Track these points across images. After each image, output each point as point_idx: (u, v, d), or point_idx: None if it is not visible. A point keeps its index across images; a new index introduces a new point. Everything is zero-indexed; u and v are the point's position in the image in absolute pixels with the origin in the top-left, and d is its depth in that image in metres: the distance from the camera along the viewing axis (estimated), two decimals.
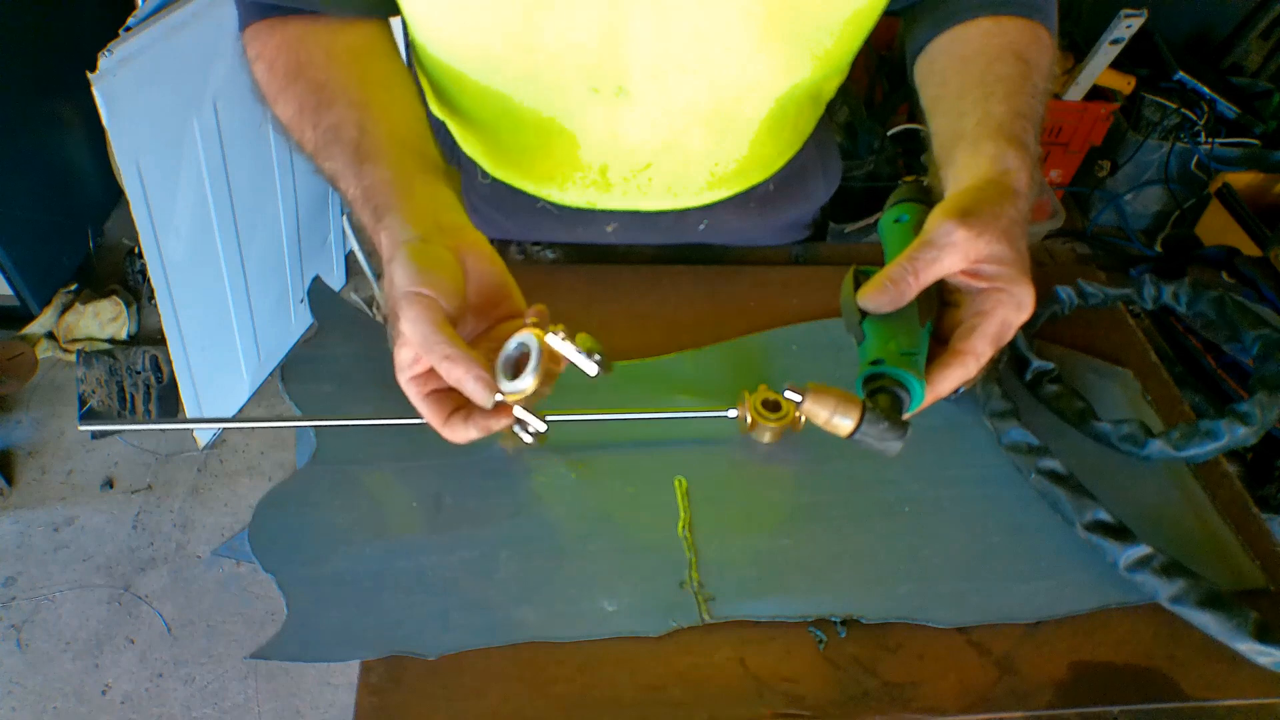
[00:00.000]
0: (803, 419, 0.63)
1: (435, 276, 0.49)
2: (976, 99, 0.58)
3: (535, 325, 0.51)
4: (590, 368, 0.51)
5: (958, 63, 0.63)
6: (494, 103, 0.70)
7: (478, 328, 0.55)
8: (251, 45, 0.63)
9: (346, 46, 0.62)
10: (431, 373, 0.52)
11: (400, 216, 0.52)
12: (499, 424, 0.53)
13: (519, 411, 0.53)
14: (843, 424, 0.50)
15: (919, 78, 0.67)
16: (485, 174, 0.79)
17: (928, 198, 0.57)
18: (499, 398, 0.50)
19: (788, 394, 0.52)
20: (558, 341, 0.51)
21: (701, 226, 0.81)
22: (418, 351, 0.49)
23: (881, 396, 0.49)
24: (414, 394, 0.52)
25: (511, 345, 0.52)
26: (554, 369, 0.52)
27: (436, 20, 0.63)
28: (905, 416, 0.50)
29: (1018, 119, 0.56)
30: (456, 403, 0.53)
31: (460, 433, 0.53)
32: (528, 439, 0.57)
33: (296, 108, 0.59)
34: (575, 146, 0.72)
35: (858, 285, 0.51)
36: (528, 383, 0.50)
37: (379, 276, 0.56)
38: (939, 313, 0.53)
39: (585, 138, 0.70)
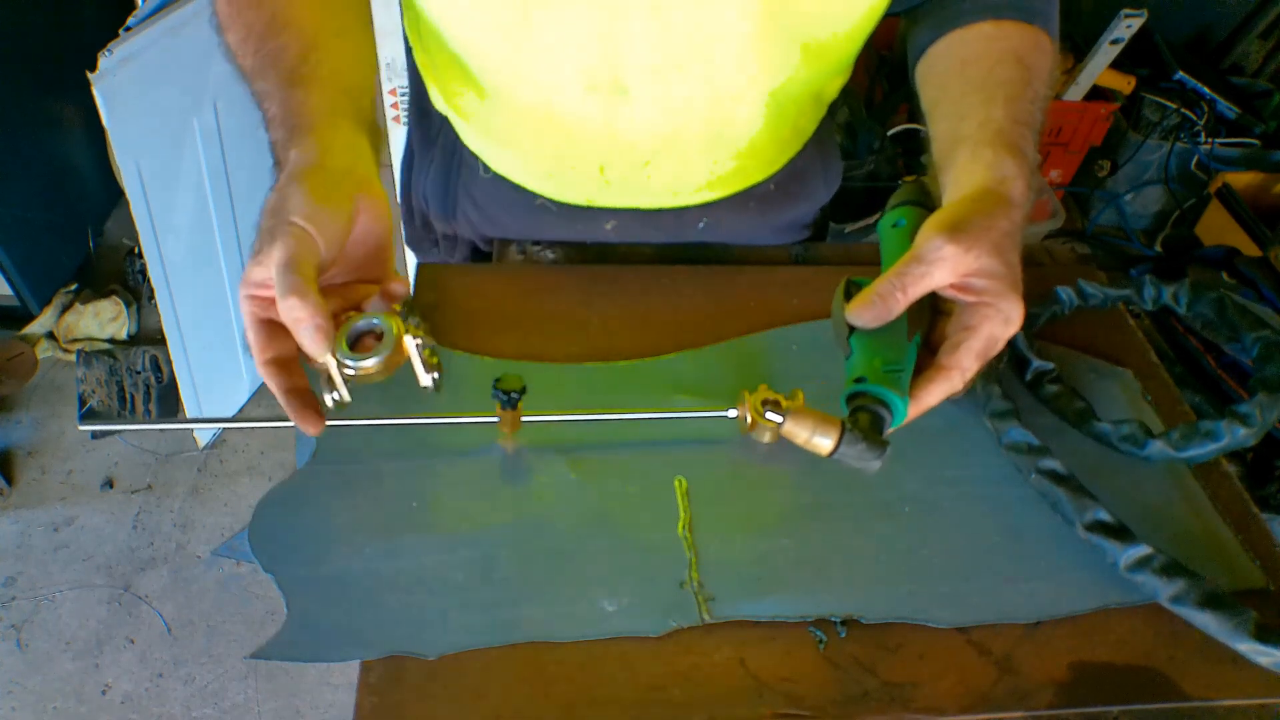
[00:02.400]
0: None
1: (325, 218, 0.48)
2: (976, 104, 0.58)
3: (398, 314, 0.52)
4: (425, 381, 0.53)
5: (958, 66, 0.63)
6: (494, 97, 0.70)
7: (338, 278, 0.54)
8: None
9: None
10: (273, 302, 0.50)
11: (317, 143, 0.51)
12: (295, 416, 0.53)
13: (334, 373, 0.52)
14: (822, 444, 0.51)
15: (920, 80, 0.67)
16: (486, 168, 0.79)
17: (928, 199, 0.57)
18: (329, 361, 0.49)
19: (769, 415, 0.53)
20: (412, 344, 0.52)
21: (701, 225, 0.81)
22: (270, 277, 0.48)
23: (862, 415, 0.50)
24: (247, 311, 0.50)
25: (365, 321, 0.52)
26: (396, 361, 0.52)
27: (437, 15, 0.63)
28: (888, 432, 0.50)
29: (1016, 125, 0.56)
30: (279, 348, 0.51)
31: (271, 381, 0.52)
32: (329, 401, 0.55)
33: (245, 33, 0.58)
34: (574, 143, 0.72)
35: (849, 298, 0.51)
36: (369, 364, 0.50)
37: None
38: (932, 321, 0.53)
39: (584, 135, 0.71)
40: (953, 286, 0.50)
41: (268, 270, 0.48)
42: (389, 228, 0.53)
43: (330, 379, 0.52)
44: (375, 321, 0.52)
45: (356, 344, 0.52)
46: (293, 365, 0.52)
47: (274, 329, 0.50)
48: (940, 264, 0.48)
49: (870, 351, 0.50)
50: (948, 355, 0.50)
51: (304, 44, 0.56)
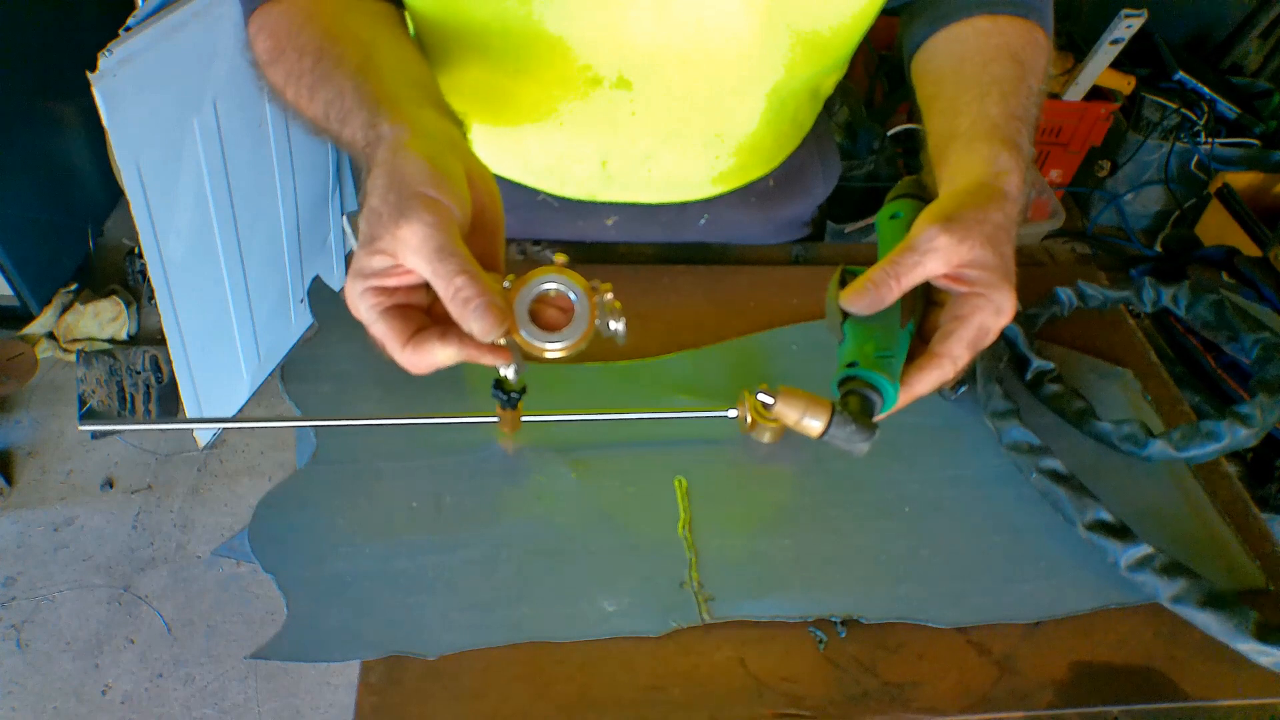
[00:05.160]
0: None
1: (449, 183, 0.44)
2: (971, 99, 0.58)
3: (576, 273, 0.45)
4: (620, 332, 0.47)
5: (953, 62, 0.63)
6: (494, 95, 0.70)
7: None
8: (254, 23, 0.60)
9: (359, 11, 0.59)
10: (398, 289, 0.46)
11: (405, 119, 0.47)
12: (486, 359, 0.46)
13: (516, 356, 0.46)
14: (812, 425, 0.51)
15: (915, 76, 0.67)
16: None
17: (925, 193, 0.57)
18: (501, 340, 0.43)
19: (760, 397, 0.53)
20: (602, 302, 0.45)
21: (702, 221, 0.82)
22: (416, 266, 0.43)
23: (852, 399, 0.50)
24: (367, 307, 0.45)
25: (542, 287, 0.45)
26: (589, 332, 0.46)
27: (440, 13, 0.63)
28: (879, 417, 0.50)
29: (1012, 120, 0.56)
30: (419, 324, 0.46)
31: (429, 356, 0.45)
32: (510, 374, 0.50)
33: (297, 55, 0.54)
34: (575, 138, 0.72)
35: (844, 285, 0.51)
36: (565, 343, 0.44)
37: None
38: (926, 311, 0.53)
39: (585, 129, 0.71)
40: (946, 276, 0.50)
41: (391, 257, 0.43)
42: (499, 203, 0.49)
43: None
44: (550, 287, 0.44)
45: (534, 314, 0.46)
46: (427, 323, 0.47)
47: (404, 313, 0.46)
48: (933, 254, 0.48)
49: (863, 337, 0.51)
50: (939, 343, 0.50)
51: (364, 46, 0.54)
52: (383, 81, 0.51)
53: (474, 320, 0.43)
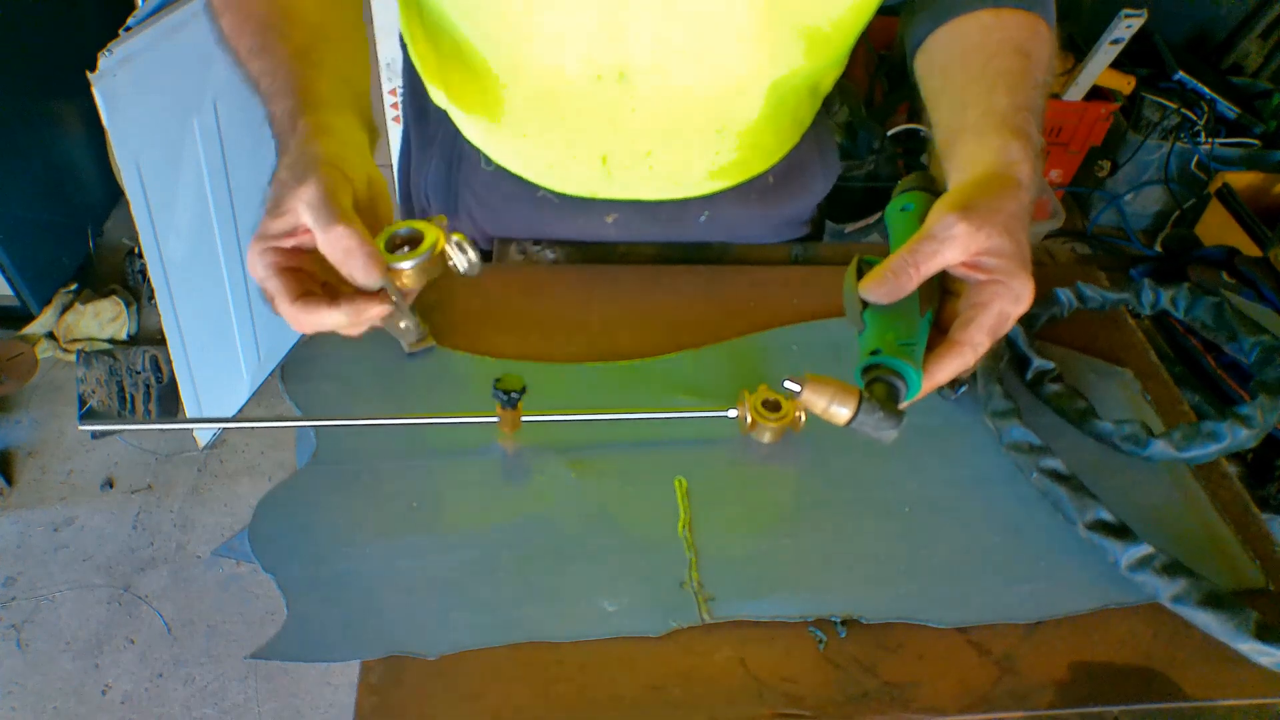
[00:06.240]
0: (803, 418, 0.64)
1: (354, 164, 0.49)
2: (979, 92, 0.58)
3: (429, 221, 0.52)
4: (473, 262, 0.52)
5: (958, 56, 0.63)
6: (495, 90, 0.70)
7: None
8: None
9: None
10: (292, 252, 0.49)
11: (324, 124, 0.51)
12: (371, 310, 0.50)
13: (393, 296, 0.51)
14: (840, 412, 0.51)
15: (919, 71, 0.67)
16: (487, 160, 0.79)
17: (934, 187, 0.57)
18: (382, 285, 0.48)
19: (787, 384, 0.53)
20: (451, 239, 0.51)
21: (702, 218, 0.82)
22: (306, 219, 0.46)
23: (878, 386, 0.50)
24: (264, 265, 0.48)
25: (402, 231, 0.52)
26: (439, 260, 0.52)
27: (442, 7, 0.63)
28: (902, 405, 0.50)
29: (1020, 111, 0.56)
30: (307, 287, 0.50)
31: (317, 316, 0.49)
32: (409, 336, 0.55)
33: (244, 15, 0.57)
34: (577, 134, 0.72)
35: (861, 275, 0.52)
36: (411, 264, 0.50)
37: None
38: (941, 301, 0.53)
39: (587, 125, 0.71)
40: (964, 265, 0.50)
41: (291, 220, 0.47)
42: (389, 207, 0.53)
43: (393, 319, 0.52)
44: (407, 230, 0.52)
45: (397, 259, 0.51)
46: (319, 292, 0.50)
47: (297, 275, 0.49)
48: (952, 242, 0.49)
49: (884, 326, 0.51)
50: (959, 331, 0.51)
51: (310, 33, 0.56)
52: (318, 73, 0.54)
53: (355, 268, 0.47)
